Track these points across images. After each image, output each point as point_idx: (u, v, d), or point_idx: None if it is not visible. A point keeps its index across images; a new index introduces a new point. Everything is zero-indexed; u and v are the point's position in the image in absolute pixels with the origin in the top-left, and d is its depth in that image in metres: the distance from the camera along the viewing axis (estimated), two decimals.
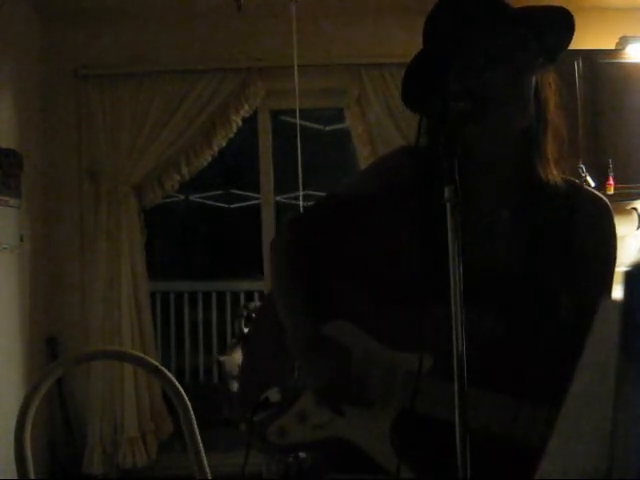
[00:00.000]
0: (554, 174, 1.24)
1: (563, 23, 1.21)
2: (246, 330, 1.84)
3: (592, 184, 3.51)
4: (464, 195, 0.99)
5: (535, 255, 1.23)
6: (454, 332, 0.94)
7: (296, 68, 3.55)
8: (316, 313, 1.32)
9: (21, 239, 3.50)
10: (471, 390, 0.96)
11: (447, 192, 0.96)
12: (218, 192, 5.91)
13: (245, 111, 3.86)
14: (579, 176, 3.50)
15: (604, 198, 1.30)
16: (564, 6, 1.17)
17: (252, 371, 1.45)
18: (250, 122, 3.98)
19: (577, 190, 1.29)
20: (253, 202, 5.06)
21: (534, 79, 1.21)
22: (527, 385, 1.14)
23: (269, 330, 1.43)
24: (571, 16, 1.20)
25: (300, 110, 3.62)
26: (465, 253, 1.01)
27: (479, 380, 0.93)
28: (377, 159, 1.59)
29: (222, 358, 1.83)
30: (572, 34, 1.22)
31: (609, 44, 3.69)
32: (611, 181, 3.52)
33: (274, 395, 1.31)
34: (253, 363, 1.47)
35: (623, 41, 3.64)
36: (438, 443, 1.15)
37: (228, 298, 5.49)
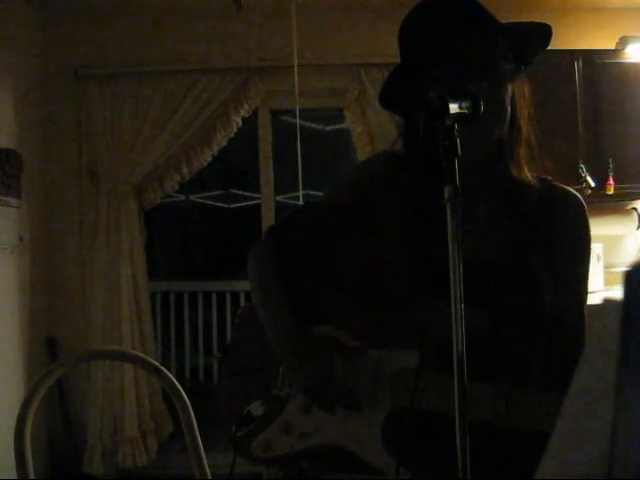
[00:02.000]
0: (527, 174, 1.30)
1: (542, 36, 1.28)
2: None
3: (592, 184, 3.51)
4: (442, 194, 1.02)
5: (515, 248, 1.27)
6: (454, 331, 0.94)
7: (296, 68, 3.55)
8: (300, 319, 1.32)
9: (21, 239, 3.50)
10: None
11: (447, 192, 0.97)
12: (218, 192, 5.90)
13: (245, 111, 3.86)
14: (579, 176, 3.51)
15: (576, 193, 1.36)
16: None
17: (233, 385, 1.44)
18: (250, 122, 3.98)
19: (551, 186, 1.35)
20: (253, 202, 5.06)
21: (510, 89, 1.26)
22: (516, 372, 1.16)
23: (250, 341, 1.42)
24: (549, 29, 1.27)
25: (300, 110, 3.63)
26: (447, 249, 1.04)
27: (469, 372, 0.94)
28: (357, 166, 1.62)
29: (221, 355, 1.82)
30: (547, 45, 1.30)
31: (609, 44, 3.69)
32: (611, 181, 3.52)
33: (256, 409, 1.30)
34: (234, 377, 1.46)
35: (623, 41, 3.64)
36: (430, 438, 1.17)
37: (228, 298, 5.49)
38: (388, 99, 1.33)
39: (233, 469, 1.25)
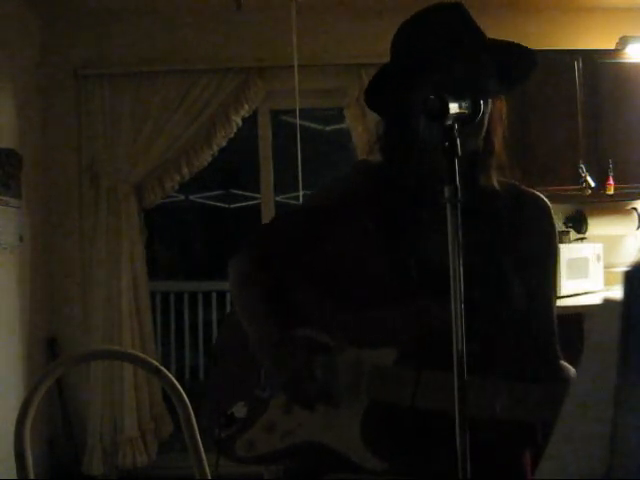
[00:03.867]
0: (494, 181, 1.33)
1: (528, 62, 1.29)
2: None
3: (592, 184, 3.51)
4: (423, 197, 1.05)
5: (484, 252, 1.29)
6: (454, 330, 0.95)
7: (296, 68, 3.55)
8: (281, 320, 1.35)
9: (21, 239, 3.50)
10: (437, 377, 0.99)
11: (447, 192, 0.97)
12: (218, 192, 5.91)
13: (245, 111, 3.86)
14: (579, 176, 3.51)
15: (542, 196, 1.40)
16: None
17: (219, 388, 1.47)
18: (250, 122, 3.98)
19: (518, 191, 1.38)
20: (253, 202, 5.06)
21: (490, 106, 1.27)
22: (485, 370, 1.18)
23: (234, 345, 1.44)
24: (535, 58, 1.28)
25: (300, 110, 3.63)
26: (424, 252, 1.13)
27: (442, 368, 0.96)
28: (337, 175, 1.66)
29: (210, 360, 1.83)
30: (533, 72, 1.30)
31: (609, 44, 3.69)
32: (611, 181, 3.53)
33: (240, 410, 1.33)
34: (219, 380, 1.48)
35: (623, 41, 3.64)
36: (408, 432, 1.21)
37: (228, 298, 5.49)
38: (373, 99, 1.34)
39: (217, 469, 1.29)
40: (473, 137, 1.25)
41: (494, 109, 1.30)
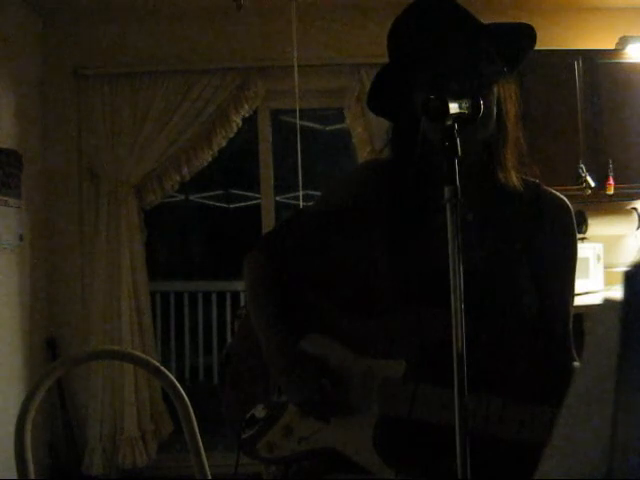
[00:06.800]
0: (514, 179, 1.29)
1: (526, 38, 1.26)
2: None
3: (592, 184, 3.52)
4: (429, 200, 1.03)
5: (500, 255, 1.28)
6: (454, 332, 0.94)
7: (296, 68, 3.55)
8: (291, 328, 1.34)
9: (21, 239, 3.50)
10: (447, 391, 0.98)
11: (447, 192, 0.96)
12: (218, 192, 5.90)
13: (245, 111, 3.86)
14: (579, 176, 3.51)
15: (563, 197, 1.36)
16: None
17: (236, 389, 1.46)
18: (250, 122, 3.98)
19: (538, 191, 1.34)
20: (253, 202, 5.06)
21: (496, 90, 1.25)
22: (499, 382, 1.18)
23: (250, 346, 1.44)
24: (533, 31, 1.25)
25: (300, 110, 3.63)
26: (434, 256, 1.10)
27: (449, 379, 0.95)
28: (345, 175, 1.63)
29: (223, 358, 1.83)
30: (533, 47, 1.26)
31: (609, 44, 3.69)
32: (611, 181, 3.53)
33: (259, 412, 1.35)
34: (236, 380, 1.48)
35: (623, 41, 3.64)
36: (420, 445, 1.20)
37: (228, 298, 5.49)
38: (376, 103, 1.32)
39: (237, 468, 1.31)
40: (484, 124, 1.22)
41: (503, 91, 1.26)
